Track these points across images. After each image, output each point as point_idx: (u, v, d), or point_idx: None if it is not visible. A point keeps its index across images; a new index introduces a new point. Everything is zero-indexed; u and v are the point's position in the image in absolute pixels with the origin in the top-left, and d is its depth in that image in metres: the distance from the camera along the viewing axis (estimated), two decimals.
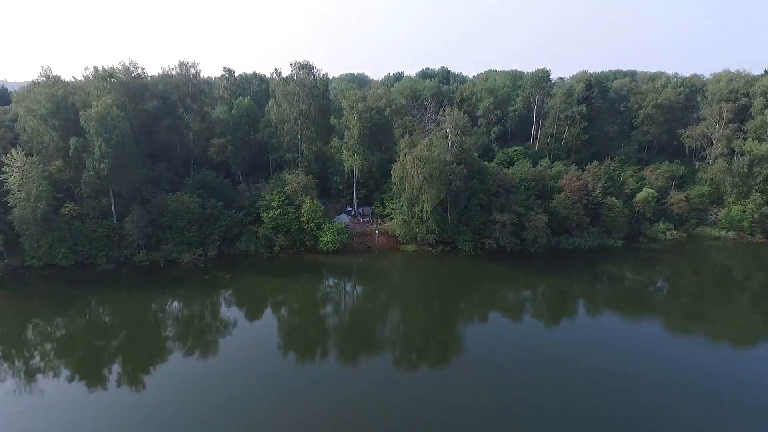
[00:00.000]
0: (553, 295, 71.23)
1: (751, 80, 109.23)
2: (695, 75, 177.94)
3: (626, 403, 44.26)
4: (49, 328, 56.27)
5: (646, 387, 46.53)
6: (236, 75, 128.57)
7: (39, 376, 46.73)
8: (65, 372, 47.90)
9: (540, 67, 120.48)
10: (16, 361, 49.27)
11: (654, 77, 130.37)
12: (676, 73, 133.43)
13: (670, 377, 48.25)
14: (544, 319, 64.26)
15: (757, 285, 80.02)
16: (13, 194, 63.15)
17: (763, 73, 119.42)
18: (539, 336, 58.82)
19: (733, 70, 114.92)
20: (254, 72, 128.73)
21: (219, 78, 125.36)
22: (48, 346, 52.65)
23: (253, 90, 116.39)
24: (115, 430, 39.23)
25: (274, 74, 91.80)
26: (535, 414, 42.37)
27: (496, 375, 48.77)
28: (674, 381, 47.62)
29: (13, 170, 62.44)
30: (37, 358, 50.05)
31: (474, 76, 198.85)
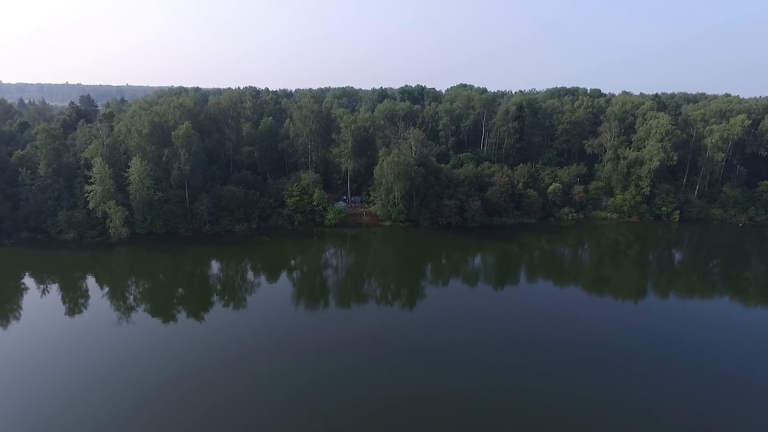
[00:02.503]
0: (487, 255, 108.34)
1: (638, 104, 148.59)
2: (625, 94, 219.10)
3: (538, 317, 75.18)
4: (152, 274, 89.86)
5: (559, 319, 74.50)
6: (244, 87, 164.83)
7: (134, 313, 71.95)
8: (155, 307, 73.64)
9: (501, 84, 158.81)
10: (123, 299, 77.49)
11: (574, 98, 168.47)
12: (590, 93, 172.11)
13: (574, 314, 76.63)
14: (482, 271, 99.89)
15: (635, 252, 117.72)
16: (132, 185, 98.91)
17: (653, 96, 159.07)
18: (478, 282, 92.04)
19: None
20: (270, 94, 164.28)
21: (242, 92, 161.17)
22: (147, 287, 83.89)
23: (269, 109, 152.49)
24: (186, 352, 60.91)
25: (292, 101, 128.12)
26: (475, 328, 69.63)
27: (447, 308, 77.91)
28: (571, 315, 75.98)
29: (133, 170, 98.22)
30: (139, 296, 79.25)
31: (446, 90, 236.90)
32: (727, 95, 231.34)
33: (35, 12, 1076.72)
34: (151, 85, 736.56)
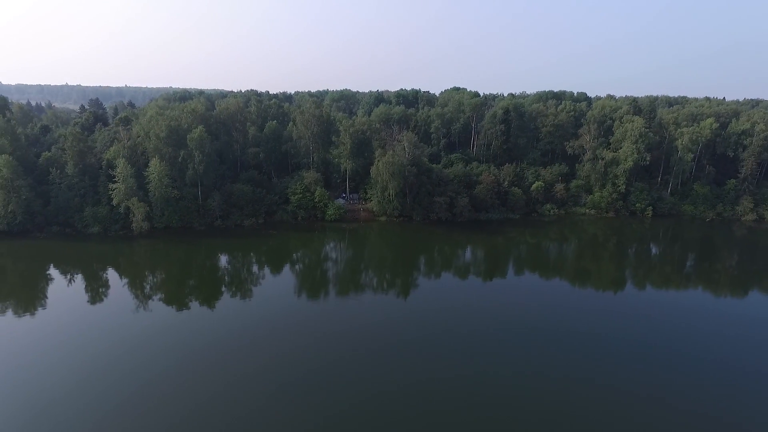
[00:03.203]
0: (474, 247, 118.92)
1: (616, 108, 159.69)
2: (609, 97, 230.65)
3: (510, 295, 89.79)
4: (170, 264, 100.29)
5: (532, 299, 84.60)
6: (260, 93, 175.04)
7: (150, 301, 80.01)
8: (168, 296, 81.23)
9: (486, 91, 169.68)
10: (141, 288, 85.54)
11: (558, 102, 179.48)
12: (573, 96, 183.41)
13: (554, 299, 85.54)
14: (470, 262, 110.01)
15: (612, 245, 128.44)
16: (151, 183, 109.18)
17: (631, 100, 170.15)
18: (466, 271, 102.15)
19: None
20: (273, 99, 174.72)
21: (246, 96, 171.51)
22: (164, 276, 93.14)
23: (273, 113, 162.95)
24: (195, 338, 66.23)
25: (295, 106, 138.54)
26: (464, 316, 76.25)
27: (435, 293, 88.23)
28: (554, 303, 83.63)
29: (152, 170, 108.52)
30: (156, 286, 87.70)
31: (440, 93, 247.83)
32: (707, 98, 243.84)
33: (34, 11, 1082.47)
34: (149, 86, 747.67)
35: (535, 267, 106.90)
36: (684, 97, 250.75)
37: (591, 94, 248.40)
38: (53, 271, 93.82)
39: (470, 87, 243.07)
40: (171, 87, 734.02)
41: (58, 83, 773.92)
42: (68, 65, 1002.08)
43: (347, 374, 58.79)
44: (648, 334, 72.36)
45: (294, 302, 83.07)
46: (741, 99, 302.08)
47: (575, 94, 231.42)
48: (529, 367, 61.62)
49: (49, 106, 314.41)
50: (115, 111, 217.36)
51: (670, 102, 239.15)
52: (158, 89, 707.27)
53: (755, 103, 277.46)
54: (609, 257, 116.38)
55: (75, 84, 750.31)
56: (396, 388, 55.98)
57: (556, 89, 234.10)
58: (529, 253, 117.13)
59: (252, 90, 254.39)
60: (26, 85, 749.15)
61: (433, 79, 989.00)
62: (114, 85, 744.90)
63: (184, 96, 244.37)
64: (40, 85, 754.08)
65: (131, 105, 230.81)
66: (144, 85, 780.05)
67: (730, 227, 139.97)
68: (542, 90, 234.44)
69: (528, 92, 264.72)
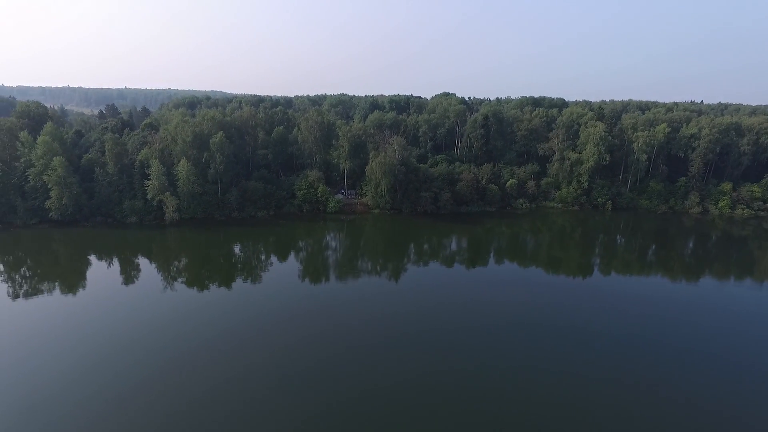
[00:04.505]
0: (455, 235, 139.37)
1: (582, 114, 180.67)
2: (587, 102, 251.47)
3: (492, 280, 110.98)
4: (197, 248, 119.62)
5: (508, 283, 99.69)
6: (263, 96, 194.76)
7: (176, 282, 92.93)
8: (193, 278, 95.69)
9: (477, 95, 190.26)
10: (168, 270, 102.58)
11: (533, 108, 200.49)
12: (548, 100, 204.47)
13: (525, 281, 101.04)
14: (453, 247, 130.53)
15: (578, 235, 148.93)
16: (179, 180, 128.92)
17: (598, 107, 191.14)
18: (449, 255, 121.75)
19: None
20: (279, 107, 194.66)
21: (251, 99, 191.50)
22: (188, 260, 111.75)
23: (278, 118, 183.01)
24: (210, 315, 76.54)
25: (299, 113, 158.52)
26: (451, 297, 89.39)
27: (424, 278, 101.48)
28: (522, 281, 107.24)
29: (181, 170, 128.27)
30: (180, 269, 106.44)
31: (431, 97, 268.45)
32: (675, 103, 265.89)
33: (34, 15, 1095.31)
34: (148, 87, 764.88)
35: (513, 254, 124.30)
36: (655, 102, 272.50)
37: (571, 98, 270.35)
38: (99, 254, 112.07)
39: (462, 91, 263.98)
40: (170, 88, 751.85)
41: (59, 85, 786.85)
42: (66, 66, 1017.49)
43: (345, 368, 62.66)
44: (622, 322, 78.57)
45: (297, 285, 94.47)
46: (715, 102, 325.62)
47: (554, 99, 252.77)
48: (520, 360, 65.10)
49: (62, 109, 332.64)
50: (129, 115, 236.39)
51: (641, 106, 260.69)
52: (157, 90, 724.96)
53: (724, 107, 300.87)
54: (575, 244, 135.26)
55: (76, 86, 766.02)
56: (392, 382, 59.58)
57: (537, 95, 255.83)
58: (504, 240, 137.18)
59: (256, 95, 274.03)
60: (27, 87, 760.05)
61: (429, 83, 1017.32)
62: (114, 87, 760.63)
63: (192, 101, 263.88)
64: (41, 87, 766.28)
65: (145, 110, 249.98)
66: (144, 87, 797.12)
67: (680, 219, 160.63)
68: (525, 95, 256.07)
69: (514, 97, 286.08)
